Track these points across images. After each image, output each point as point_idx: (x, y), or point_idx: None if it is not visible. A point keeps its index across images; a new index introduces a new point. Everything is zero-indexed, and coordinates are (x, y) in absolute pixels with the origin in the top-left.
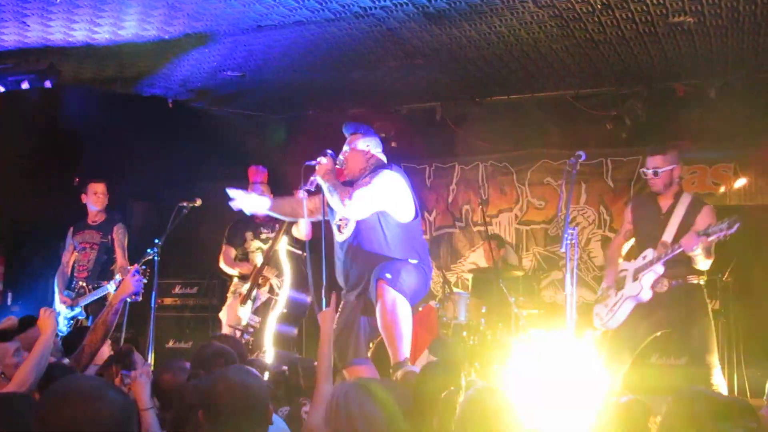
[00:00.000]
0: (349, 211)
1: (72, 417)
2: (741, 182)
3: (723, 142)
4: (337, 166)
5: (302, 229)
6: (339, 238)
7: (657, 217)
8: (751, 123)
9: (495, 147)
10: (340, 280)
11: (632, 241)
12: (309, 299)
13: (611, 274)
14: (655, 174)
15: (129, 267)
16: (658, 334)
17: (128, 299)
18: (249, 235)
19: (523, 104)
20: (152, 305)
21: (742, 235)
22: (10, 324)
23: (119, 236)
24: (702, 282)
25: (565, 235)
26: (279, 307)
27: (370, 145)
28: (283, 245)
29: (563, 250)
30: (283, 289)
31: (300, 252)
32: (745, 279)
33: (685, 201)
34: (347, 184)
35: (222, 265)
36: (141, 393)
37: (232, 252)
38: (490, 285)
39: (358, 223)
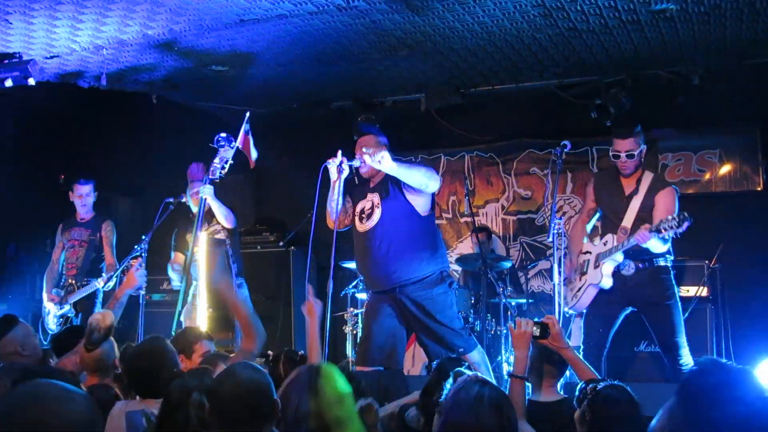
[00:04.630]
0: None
1: (39, 419)
2: (726, 169)
3: (707, 129)
4: (355, 166)
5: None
6: (361, 227)
7: (620, 199)
8: (736, 110)
9: (480, 137)
10: (364, 271)
11: (596, 218)
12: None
13: (573, 256)
14: (630, 157)
15: (118, 265)
16: (627, 312)
17: (132, 293)
18: (190, 235)
19: (507, 94)
20: (141, 301)
21: (729, 221)
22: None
23: (107, 234)
24: (669, 263)
25: (552, 225)
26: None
27: (384, 145)
28: (202, 238)
29: (550, 239)
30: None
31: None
32: (733, 265)
33: (645, 182)
34: (364, 182)
35: (170, 272)
36: None
37: (181, 259)
38: (478, 276)
39: (384, 213)
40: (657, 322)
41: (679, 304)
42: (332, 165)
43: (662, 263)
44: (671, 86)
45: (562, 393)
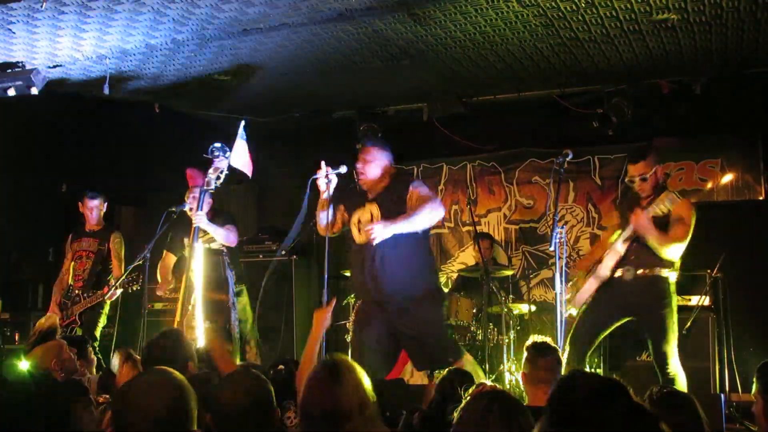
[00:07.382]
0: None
1: None
2: (728, 178)
3: (709, 138)
4: (341, 173)
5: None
6: (359, 238)
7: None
8: (737, 119)
9: (482, 147)
10: (359, 282)
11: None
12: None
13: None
14: (644, 180)
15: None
16: (624, 321)
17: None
18: (187, 240)
19: (509, 103)
20: (143, 311)
21: (731, 230)
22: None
23: (115, 246)
24: (670, 276)
25: (554, 234)
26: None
27: (387, 157)
28: (199, 246)
29: (552, 248)
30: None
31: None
32: (735, 274)
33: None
34: (363, 191)
35: (158, 273)
36: None
37: (172, 260)
38: (480, 285)
39: None
40: (650, 329)
41: (674, 314)
42: (320, 178)
43: (663, 274)
44: (673, 95)
45: None
